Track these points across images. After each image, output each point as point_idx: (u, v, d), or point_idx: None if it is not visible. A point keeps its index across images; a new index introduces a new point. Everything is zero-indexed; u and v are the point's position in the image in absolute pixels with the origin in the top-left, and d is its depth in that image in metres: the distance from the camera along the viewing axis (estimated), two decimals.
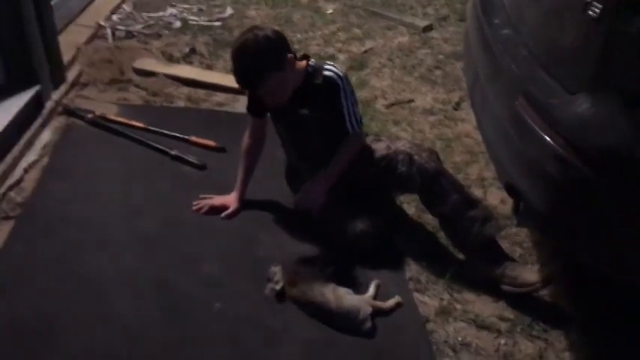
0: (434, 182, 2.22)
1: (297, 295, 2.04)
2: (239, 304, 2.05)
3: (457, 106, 3.41)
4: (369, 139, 2.44)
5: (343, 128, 2.29)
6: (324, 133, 2.34)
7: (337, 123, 2.30)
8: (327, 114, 2.30)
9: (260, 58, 2.10)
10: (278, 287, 2.05)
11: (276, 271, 2.09)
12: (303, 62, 2.28)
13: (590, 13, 1.53)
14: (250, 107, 2.37)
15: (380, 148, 2.36)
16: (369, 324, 1.98)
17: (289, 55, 2.19)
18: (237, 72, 2.17)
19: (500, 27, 2.12)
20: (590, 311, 2.16)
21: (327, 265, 2.19)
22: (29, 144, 2.70)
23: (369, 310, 2.00)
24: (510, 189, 1.97)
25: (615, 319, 2.10)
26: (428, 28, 4.41)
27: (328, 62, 2.34)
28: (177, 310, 2.01)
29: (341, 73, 2.27)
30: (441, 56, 4.02)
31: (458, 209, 2.19)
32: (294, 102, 2.27)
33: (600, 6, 1.50)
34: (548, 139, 1.66)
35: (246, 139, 2.42)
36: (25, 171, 2.56)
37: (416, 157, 2.24)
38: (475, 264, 2.21)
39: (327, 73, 2.25)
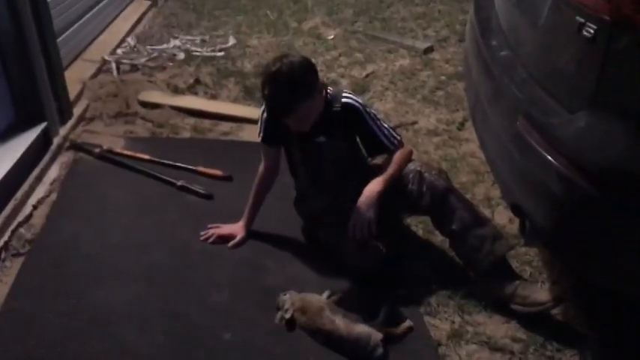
0: (444, 200, 2.22)
1: (307, 323, 2.04)
2: (248, 333, 2.05)
3: (461, 126, 3.42)
4: (377, 162, 2.46)
5: (356, 150, 2.32)
6: (337, 161, 2.36)
7: (351, 146, 2.35)
8: (343, 142, 2.34)
9: (294, 87, 2.10)
10: (288, 315, 2.05)
11: (285, 299, 2.09)
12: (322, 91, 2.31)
13: (585, 33, 1.55)
14: (266, 137, 2.37)
15: None
16: (380, 350, 1.97)
17: (319, 84, 2.21)
18: (271, 100, 2.15)
19: (498, 49, 2.14)
20: (604, 329, 2.13)
21: (336, 291, 2.19)
22: (38, 180, 2.73)
23: (380, 336, 1.99)
24: (516, 208, 1.97)
25: (629, 337, 2.08)
26: (429, 50, 4.45)
27: (346, 90, 2.36)
28: (187, 340, 2.01)
29: (359, 99, 2.31)
30: (442, 77, 4.04)
31: (468, 227, 2.19)
32: (312, 129, 2.28)
33: (594, 26, 1.52)
34: (550, 158, 1.66)
35: (260, 170, 2.43)
36: (34, 207, 2.59)
37: (426, 174, 2.26)
38: (485, 284, 2.20)
39: (345, 100, 2.27)
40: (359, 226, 2.20)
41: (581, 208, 1.64)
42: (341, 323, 2.00)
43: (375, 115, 2.32)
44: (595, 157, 1.57)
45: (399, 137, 2.35)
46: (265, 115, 2.31)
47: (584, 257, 1.78)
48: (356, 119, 2.28)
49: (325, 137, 2.31)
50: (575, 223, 1.70)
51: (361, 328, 2.00)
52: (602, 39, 1.51)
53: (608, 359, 2.04)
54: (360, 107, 2.27)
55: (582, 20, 1.57)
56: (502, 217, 2.62)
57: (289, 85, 2.09)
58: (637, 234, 1.58)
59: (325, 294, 2.16)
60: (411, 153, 2.37)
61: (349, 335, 1.98)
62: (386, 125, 2.33)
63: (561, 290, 2.23)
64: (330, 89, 2.32)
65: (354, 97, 2.31)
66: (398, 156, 2.30)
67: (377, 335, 1.98)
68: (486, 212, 2.64)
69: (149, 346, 1.98)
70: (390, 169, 2.27)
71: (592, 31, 1.53)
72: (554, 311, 2.14)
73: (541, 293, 2.11)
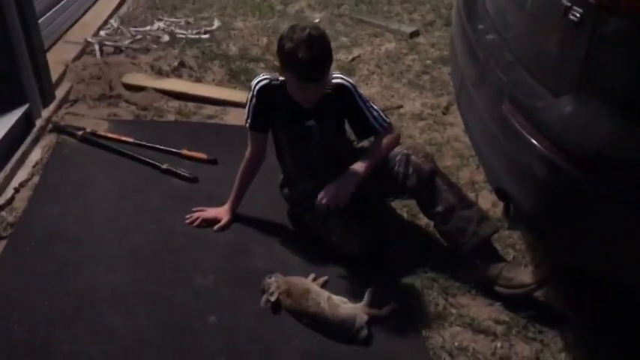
0: (430, 182, 2.23)
1: (293, 306, 2.04)
2: (234, 316, 2.06)
3: (446, 111, 3.42)
4: (364, 145, 2.46)
5: (344, 133, 2.30)
6: (325, 146, 2.35)
7: (339, 130, 2.34)
8: (332, 125, 2.32)
9: (327, 52, 2.09)
10: (273, 298, 2.05)
11: (271, 282, 2.09)
12: None
13: (571, 17, 1.55)
14: (253, 123, 2.34)
15: None
16: (365, 332, 1.99)
17: None
18: (306, 65, 2.03)
19: (484, 32, 2.14)
20: (586, 311, 2.16)
21: (321, 274, 2.20)
22: (20, 163, 2.70)
23: (365, 317, 2.01)
24: (500, 192, 1.98)
25: (611, 318, 2.11)
26: (414, 34, 4.43)
27: (336, 72, 2.32)
28: (173, 324, 2.01)
29: (349, 79, 2.29)
30: (428, 61, 4.04)
31: (453, 209, 2.20)
32: (302, 114, 2.26)
33: (580, 10, 1.52)
34: (534, 141, 1.67)
35: (247, 155, 2.41)
36: (16, 190, 2.56)
37: (413, 157, 2.26)
38: (470, 266, 2.22)
39: (336, 80, 2.25)
40: (332, 198, 2.21)
41: (565, 192, 1.66)
42: (326, 306, 2.01)
43: (365, 97, 2.30)
44: (579, 141, 1.58)
45: (388, 120, 2.34)
46: (254, 101, 2.28)
47: (568, 241, 1.80)
48: (347, 99, 2.26)
49: (315, 121, 2.29)
50: (560, 207, 1.72)
51: (346, 311, 2.02)
52: (588, 23, 1.51)
53: (589, 341, 2.06)
54: (351, 87, 2.26)
55: (568, 4, 1.57)
56: (486, 201, 2.64)
57: (323, 51, 2.06)
58: (620, 218, 1.59)
59: (311, 277, 2.17)
60: (398, 137, 2.37)
61: (334, 317, 1.99)
62: (376, 107, 2.32)
63: (544, 273, 2.25)
64: None
65: (345, 77, 2.29)
66: (385, 141, 2.29)
67: (362, 317, 2.00)
68: (471, 196, 2.65)
69: (134, 329, 1.98)
70: (376, 154, 2.27)
71: (578, 15, 1.54)
72: (537, 293, 2.16)
73: (525, 275, 2.14)
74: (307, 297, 2.04)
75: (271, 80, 2.25)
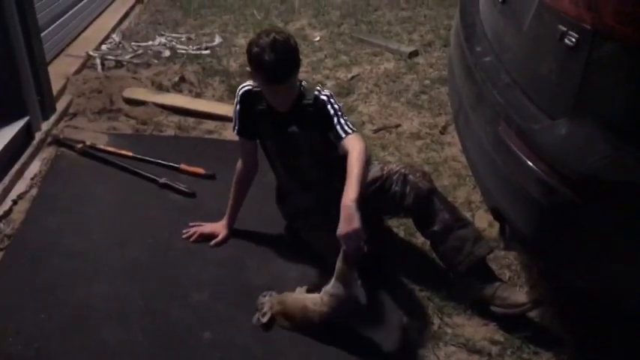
0: (427, 201, 2.24)
1: (297, 327, 2.05)
2: (229, 332, 2.05)
3: (444, 131, 3.45)
4: None
5: (333, 143, 2.21)
6: (313, 150, 2.34)
7: (326, 139, 2.27)
8: (317, 133, 2.30)
9: (291, 55, 2.14)
10: (264, 320, 2.05)
11: (265, 301, 2.09)
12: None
13: (567, 42, 1.57)
14: (241, 129, 2.36)
15: (374, 170, 2.39)
16: (363, 299, 2.01)
17: None
18: (271, 66, 2.09)
19: (482, 55, 2.17)
20: (580, 332, 2.16)
21: (317, 289, 2.19)
22: (18, 175, 2.71)
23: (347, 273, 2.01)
24: (496, 212, 1.99)
25: (605, 340, 2.11)
26: (413, 54, 4.47)
27: (318, 86, 2.35)
28: (167, 339, 2.01)
29: (329, 92, 2.29)
30: (426, 81, 4.07)
31: (449, 229, 2.21)
32: (284, 120, 2.28)
33: (576, 35, 1.55)
34: (530, 163, 1.68)
35: (238, 165, 2.43)
36: (14, 202, 2.57)
37: (410, 176, 2.27)
38: (465, 285, 2.22)
39: (316, 93, 2.27)
40: (349, 242, 2.04)
41: (560, 214, 1.67)
42: (324, 308, 2.00)
43: (338, 107, 2.25)
44: (575, 163, 1.59)
45: (354, 129, 2.22)
46: (238, 107, 2.31)
47: (564, 262, 1.80)
48: (320, 107, 2.24)
49: (297, 127, 2.29)
50: (555, 229, 1.73)
51: (336, 291, 2.02)
52: (584, 47, 1.53)
53: None
54: (326, 97, 2.25)
55: (564, 29, 1.59)
56: (482, 221, 2.65)
57: (288, 53, 2.12)
58: (615, 239, 1.60)
59: (303, 289, 2.18)
60: (365, 150, 2.14)
61: (331, 310, 2.00)
62: (346, 118, 2.24)
63: (539, 294, 2.26)
64: (304, 82, 2.32)
65: (323, 90, 2.29)
66: (355, 157, 2.09)
67: (345, 279, 2.02)
68: (467, 216, 2.66)
69: (128, 343, 1.98)
70: (355, 172, 2.06)
71: (574, 40, 1.56)
72: (532, 314, 2.16)
73: (520, 295, 2.14)
74: (306, 314, 2.03)
75: (253, 87, 2.29)
